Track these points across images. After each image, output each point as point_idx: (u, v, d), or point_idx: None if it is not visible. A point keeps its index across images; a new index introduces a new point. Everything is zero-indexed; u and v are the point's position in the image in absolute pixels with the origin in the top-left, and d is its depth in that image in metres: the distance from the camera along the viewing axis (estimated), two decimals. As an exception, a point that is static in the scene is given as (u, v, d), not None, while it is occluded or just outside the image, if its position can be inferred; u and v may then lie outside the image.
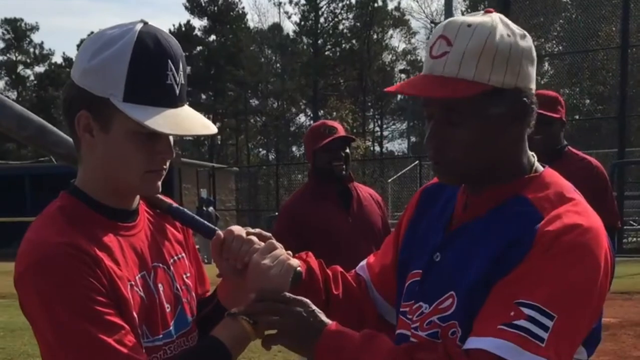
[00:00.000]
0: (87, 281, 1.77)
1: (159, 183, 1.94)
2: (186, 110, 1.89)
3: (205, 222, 2.15)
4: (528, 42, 1.87)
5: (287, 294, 1.91)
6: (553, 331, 1.69)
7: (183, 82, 1.88)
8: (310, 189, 4.83)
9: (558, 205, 1.83)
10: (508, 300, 1.73)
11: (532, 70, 1.89)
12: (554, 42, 33.81)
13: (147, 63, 1.81)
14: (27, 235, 1.86)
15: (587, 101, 33.58)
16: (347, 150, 4.78)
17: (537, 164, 1.96)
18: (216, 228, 2.10)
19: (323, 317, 1.88)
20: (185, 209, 2.15)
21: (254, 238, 2.02)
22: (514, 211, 1.85)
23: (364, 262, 2.33)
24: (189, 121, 1.87)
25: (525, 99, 1.87)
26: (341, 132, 4.75)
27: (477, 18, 1.85)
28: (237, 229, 2.04)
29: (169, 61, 1.83)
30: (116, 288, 1.82)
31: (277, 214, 5.05)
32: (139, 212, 2.02)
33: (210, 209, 25.99)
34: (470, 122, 1.84)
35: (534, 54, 1.89)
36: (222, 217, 33.58)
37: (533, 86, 1.90)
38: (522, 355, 1.68)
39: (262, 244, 2.01)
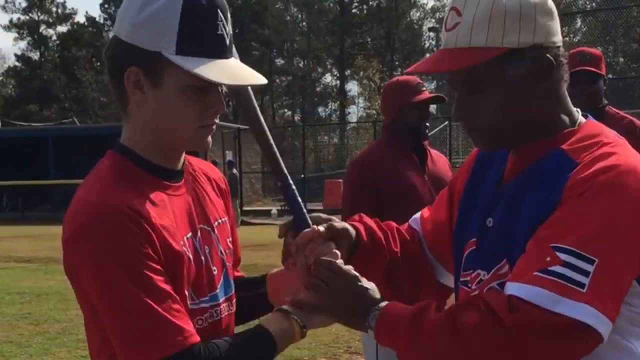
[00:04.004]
0: (141, 245, 1.75)
1: (210, 138, 1.92)
2: (235, 61, 1.88)
3: (306, 214, 2.07)
4: None
5: (341, 264, 1.95)
6: (595, 276, 1.65)
7: (231, 32, 1.88)
8: (389, 144, 4.62)
9: (594, 150, 1.79)
10: (544, 244, 1.70)
11: (552, 23, 1.86)
12: (587, -2, 33.19)
13: (198, 14, 1.79)
14: (80, 195, 1.84)
15: (621, 59, 33.19)
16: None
17: (581, 118, 1.93)
18: (313, 226, 2.05)
19: (372, 294, 1.91)
20: (297, 195, 2.11)
21: (338, 254, 2.01)
22: (549, 164, 1.83)
23: (417, 215, 2.31)
24: (242, 71, 1.87)
25: (548, 54, 1.84)
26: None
27: None
28: (323, 240, 2.02)
29: (219, 11, 1.82)
30: (169, 246, 1.81)
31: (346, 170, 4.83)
32: (184, 173, 1.99)
33: (234, 170, 25.79)
34: (492, 87, 1.84)
35: (550, 6, 1.86)
36: (247, 179, 33.46)
37: (556, 39, 1.87)
38: (559, 303, 1.64)
39: (341, 263, 1.97)
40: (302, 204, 2.10)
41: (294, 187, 2.10)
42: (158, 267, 1.78)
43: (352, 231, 2.12)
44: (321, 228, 2.02)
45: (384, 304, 1.87)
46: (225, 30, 1.83)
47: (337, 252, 2.01)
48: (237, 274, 2.20)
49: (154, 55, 1.79)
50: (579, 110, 1.95)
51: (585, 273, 1.65)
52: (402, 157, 4.53)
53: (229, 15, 1.86)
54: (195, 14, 1.78)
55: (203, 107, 1.85)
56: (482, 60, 1.80)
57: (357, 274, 1.95)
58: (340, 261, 1.98)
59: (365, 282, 1.93)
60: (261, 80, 1.90)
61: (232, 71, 1.83)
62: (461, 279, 2.01)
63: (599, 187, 1.70)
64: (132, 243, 1.75)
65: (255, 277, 2.27)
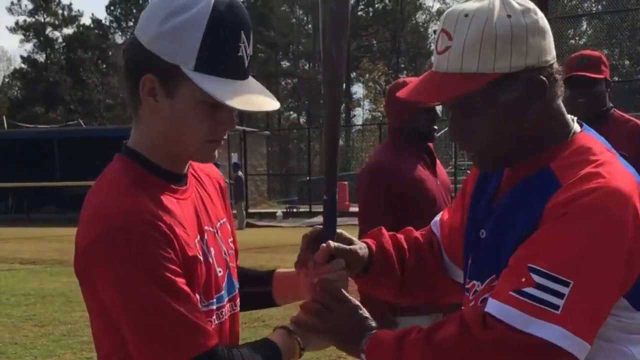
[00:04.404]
0: (162, 249, 1.78)
1: (216, 152, 1.95)
2: (252, 83, 1.89)
3: (336, 227, 2.14)
4: (532, 16, 1.81)
5: (345, 294, 2.03)
6: (570, 298, 1.66)
7: (251, 53, 1.88)
8: (400, 148, 4.52)
9: (579, 170, 1.78)
10: (522, 263, 1.72)
11: (545, 42, 1.83)
12: (593, 1, 33.16)
13: (222, 34, 1.79)
14: (94, 201, 1.85)
15: (627, 62, 33.06)
16: None
17: (575, 128, 1.92)
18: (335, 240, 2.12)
19: (369, 323, 1.98)
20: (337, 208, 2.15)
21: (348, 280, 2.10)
22: (536, 183, 1.83)
23: (438, 218, 2.33)
24: (257, 96, 1.88)
25: (541, 74, 1.82)
26: None
27: (475, 4, 1.82)
28: (340, 264, 2.08)
29: (242, 32, 1.82)
30: (185, 250, 1.84)
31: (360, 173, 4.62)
32: (188, 176, 2.02)
33: (239, 172, 25.79)
34: (485, 112, 1.83)
35: (542, 24, 1.83)
36: (252, 182, 33.44)
37: (549, 57, 1.85)
38: (530, 323, 1.67)
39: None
40: (337, 217, 2.14)
41: (337, 203, 2.14)
42: (179, 270, 1.80)
43: (364, 251, 2.18)
44: (332, 244, 2.08)
45: (375, 330, 1.95)
46: (246, 51, 1.84)
47: (349, 279, 2.10)
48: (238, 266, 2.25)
49: (172, 67, 1.79)
50: (574, 118, 1.95)
51: (559, 295, 1.66)
52: (417, 161, 4.48)
53: (251, 35, 1.87)
54: (219, 33, 1.78)
55: (214, 123, 1.86)
56: (474, 89, 1.79)
57: (358, 303, 2.02)
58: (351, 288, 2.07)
59: (364, 312, 2.00)
60: (274, 105, 1.90)
61: (247, 95, 1.84)
62: (465, 286, 2.05)
63: (580, 209, 1.70)
64: (153, 248, 1.77)
65: (263, 272, 2.35)
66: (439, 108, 4.53)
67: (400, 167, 4.38)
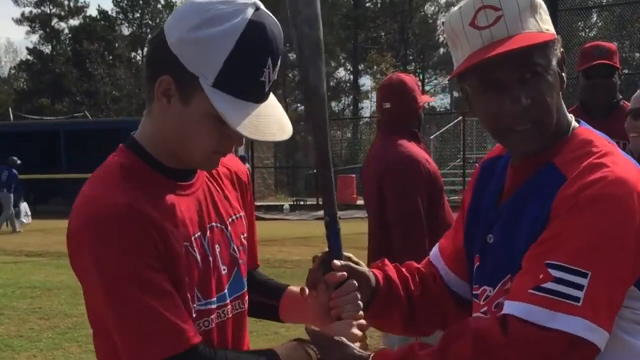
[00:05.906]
0: (142, 245, 1.76)
1: (219, 162, 1.95)
2: (268, 107, 1.85)
3: (342, 249, 2.09)
4: None
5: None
6: (589, 288, 1.67)
7: (275, 77, 1.85)
8: (411, 141, 4.60)
9: (583, 162, 1.79)
10: (537, 261, 1.73)
11: None
12: (603, -8, 33.00)
13: (248, 56, 1.77)
14: (86, 191, 1.85)
15: (637, 54, 33.05)
16: None
17: (574, 123, 1.94)
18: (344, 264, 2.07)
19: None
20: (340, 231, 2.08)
21: (361, 305, 2.03)
22: (542, 180, 1.84)
23: (436, 248, 2.31)
24: (268, 124, 1.84)
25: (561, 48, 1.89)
26: None
27: None
28: (353, 286, 2.02)
29: (269, 59, 1.80)
30: (171, 247, 1.82)
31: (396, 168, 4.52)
32: (197, 170, 1.99)
33: (246, 165, 25.75)
34: (547, 72, 1.82)
35: None
36: (259, 174, 33.38)
37: None
38: (554, 318, 1.66)
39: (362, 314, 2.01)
40: (341, 240, 2.08)
41: (339, 224, 2.08)
42: (159, 266, 1.79)
43: (372, 277, 2.14)
44: (344, 263, 2.04)
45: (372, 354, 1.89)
46: (269, 77, 1.82)
47: (360, 303, 2.03)
48: (257, 266, 2.26)
49: (192, 76, 1.78)
50: (572, 115, 1.96)
51: (579, 287, 1.67)
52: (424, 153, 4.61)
53: (279, 59, 1.84)
54: (245, 55, 1.76)
55: (222, 137, 1.85)
56: (549, 39, 1.83)
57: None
58: (360, 313, 2.02)
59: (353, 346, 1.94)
60: (283, 135, 1.87)
61: (258, 122, 1.81)
62: (473, 292, 2.04)
63: (588, 200, 1.72)
64: (132, 243, 1.76)
65: (275, 285, 2.29)
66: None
67: (427, 159, 4.51)
